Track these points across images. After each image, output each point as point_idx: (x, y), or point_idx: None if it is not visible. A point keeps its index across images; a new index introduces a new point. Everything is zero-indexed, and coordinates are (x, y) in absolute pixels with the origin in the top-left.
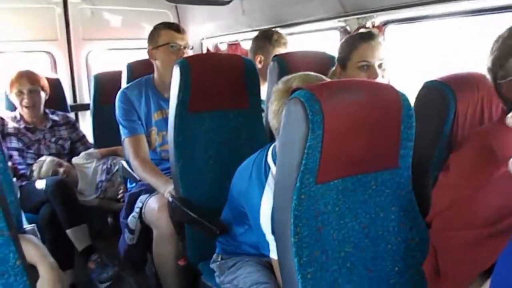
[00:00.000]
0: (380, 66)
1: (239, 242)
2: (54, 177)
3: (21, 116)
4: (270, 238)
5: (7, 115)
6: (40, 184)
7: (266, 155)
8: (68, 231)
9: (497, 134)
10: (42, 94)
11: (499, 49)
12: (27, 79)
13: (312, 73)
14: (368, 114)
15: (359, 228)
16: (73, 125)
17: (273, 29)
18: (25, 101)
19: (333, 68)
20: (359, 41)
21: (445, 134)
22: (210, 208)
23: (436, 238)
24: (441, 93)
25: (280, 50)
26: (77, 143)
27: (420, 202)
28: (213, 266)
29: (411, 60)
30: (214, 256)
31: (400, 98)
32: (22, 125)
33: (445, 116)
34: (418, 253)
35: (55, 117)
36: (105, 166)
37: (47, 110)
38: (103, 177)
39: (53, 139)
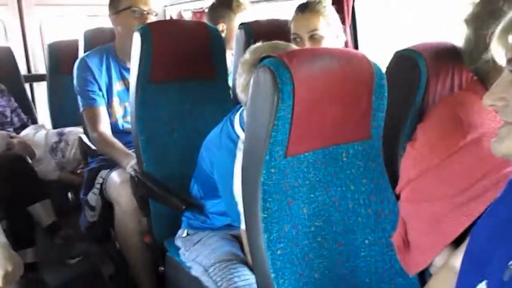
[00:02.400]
0: (311, 37)
1: (207, 215)
2: (11, 153)
3: None
4: (242, 208)
5: None
6: None
7: (233, 123)
8: (30, 208)
9: (464, 102)
10: None
11: None
12: None
13: (281, 42)
14: (340, 83)
15: (329, 202)
16: (7, 94)
17: None
18: None
19: None
20: (295, 13)
21: (416, 104)
22: (175, 182)
23: (404, 210)
24: (412, 62)
25: (242, 16)
26: (13, 113)
27: (391, 174)
28: (178, 242)
29: (384, 28)
30: (180, 231)
31: (373, 67)
32: None
33: (417, 85)
34: (388, 226)
35: None
36: (55, 130)
37: None
38: (56, 138)
39: None
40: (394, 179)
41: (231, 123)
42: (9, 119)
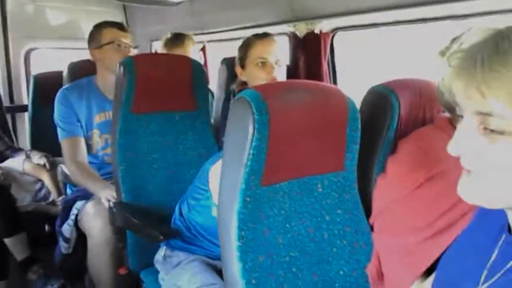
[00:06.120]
0: (276, 62)
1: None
2: None
3: None
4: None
5: None
6: None
7: None
8: (6, 240)
9: (431, 137)
10: None
11: None
12: None
13: None
14: (314, 116)
15: (305, 232)
16: None
17: (222, 32)
18: None
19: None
20: (254, 40)
21: (389, 138)
22: (154, 213)
23: (377, 241)
24: (386, 98)
25: (190, 51)
26: None
27: (365, 205)
28: (157, 265)
29: (359, 65)
30: (158, 252)
31: (346, 101)
32: None
33: (390, 120)
34: (363, 257)
35: None
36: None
37: None
38: (37, 186)
39: None
40: (368, 210)
41: None
42: None
